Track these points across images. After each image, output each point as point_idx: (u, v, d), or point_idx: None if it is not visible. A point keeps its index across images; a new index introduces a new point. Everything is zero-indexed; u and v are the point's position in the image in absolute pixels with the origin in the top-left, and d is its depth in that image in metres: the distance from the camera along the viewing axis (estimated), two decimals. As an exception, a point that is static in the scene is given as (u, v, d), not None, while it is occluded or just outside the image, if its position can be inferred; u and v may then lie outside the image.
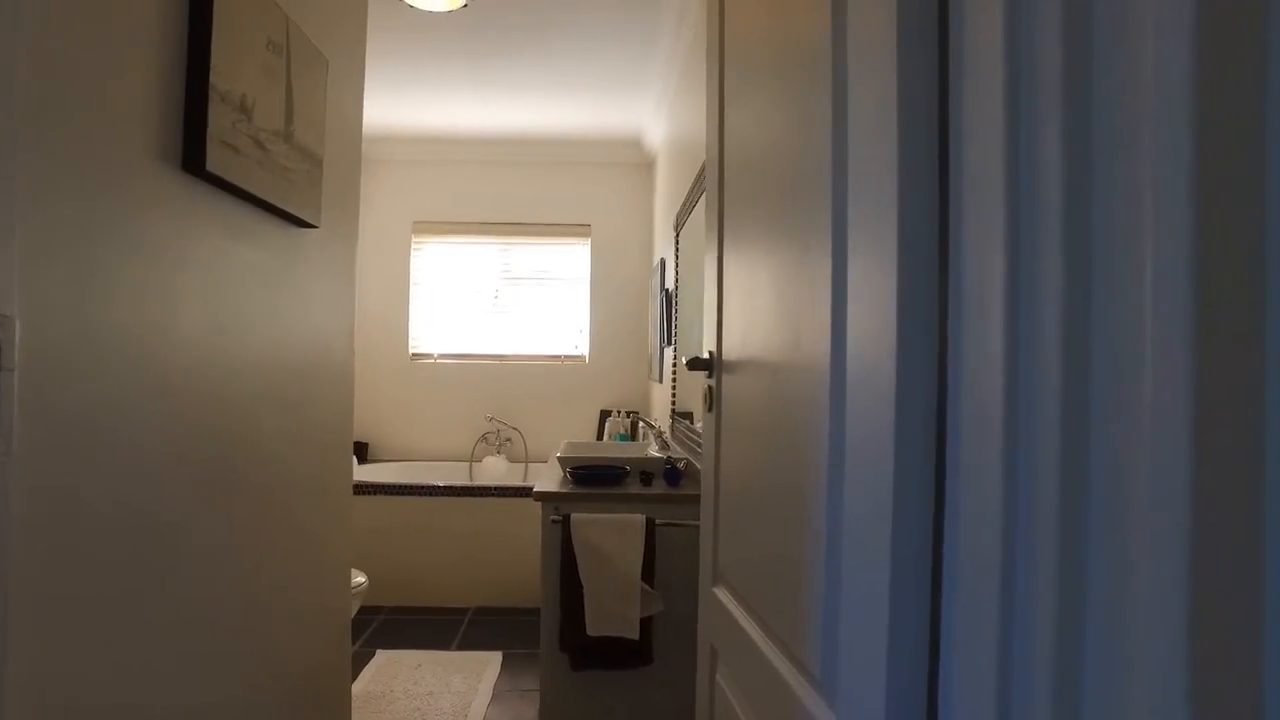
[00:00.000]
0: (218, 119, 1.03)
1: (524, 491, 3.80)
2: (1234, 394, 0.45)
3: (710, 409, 1.47)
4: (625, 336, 4.64)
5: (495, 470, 4.42)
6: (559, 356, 4.69)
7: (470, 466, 4.51)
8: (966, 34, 0.67)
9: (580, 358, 4.68)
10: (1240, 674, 0.46)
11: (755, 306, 1.20)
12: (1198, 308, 0.45)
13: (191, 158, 1.00)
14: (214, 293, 1.14)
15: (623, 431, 3.79)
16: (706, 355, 1.46)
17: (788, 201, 1.05)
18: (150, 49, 0.95)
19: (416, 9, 2.85)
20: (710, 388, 1.46)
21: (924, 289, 0.72)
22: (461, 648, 3.36)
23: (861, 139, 0.82)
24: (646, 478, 2.45)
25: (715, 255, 1.44)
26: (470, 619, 3.72)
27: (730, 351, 1.35)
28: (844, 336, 0.86)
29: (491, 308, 4.70)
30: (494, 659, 3.22)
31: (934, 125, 0.72)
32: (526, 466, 4.49)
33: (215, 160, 1.03)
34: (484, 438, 4.60)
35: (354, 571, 2.87)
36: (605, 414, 4.39)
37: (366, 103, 4.00)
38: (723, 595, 1.37)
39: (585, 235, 4.69)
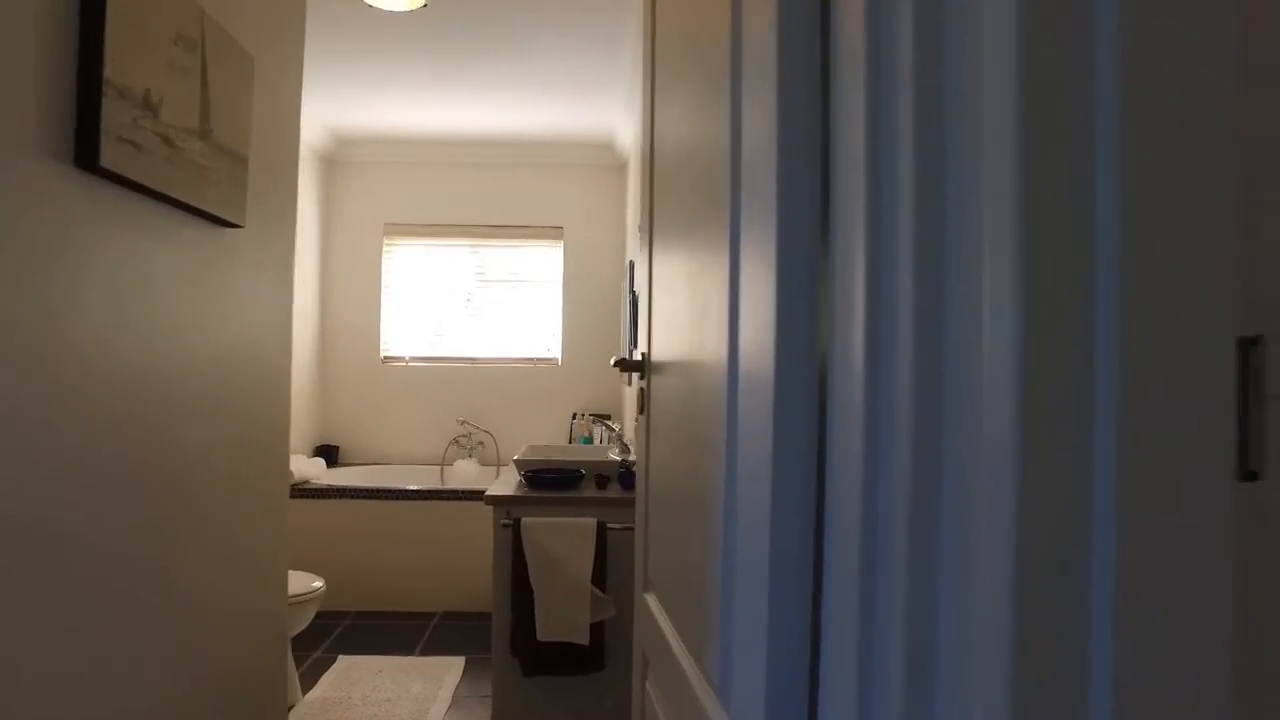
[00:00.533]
0: (115, 115, 1.01)
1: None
2: (1060, 404, 0.45)
3: (642, 411, 1.46)
4: (598, 339, 4.61)
5: (467, 474, 4.38)
6: (531, 359, 4.66)
7: (442, 470, 4.47)
8: (839, 32, 0.66)
9: (553, 360, 4.65)
10: (1066, 686, 0.45)
11: (676, 307, 1.19)
12: (1026, 328, 0.44)
13: (85, 154, 0.98)
14: (121, 291, 1.12)
15: (587, 435, 3.77)
16: (639, 357, 1.44)
17: (701, 201, 1.04)
18: (37, 44, 0.92)
19: (376, 8, 2.82)
20: (642, 390, 1.45)
21: (803, 292, 0.71)
22: (426, 653, 3.33)
23: (751, 139, 0.81)
24: (602, 481, 2.43)
25: (646, 255, 1.43)
26: (436, 624, 3.69)
27: (657, 353, 1.34)
28: (738, 340, 0.85)
29: (464, 310, 4.68)
30: (457, 664, 3.19)
31: (816, 129, 0.70)
32: (499, 470, 4.46)
33: (112, 157, 1.01)
34: (456, 441, 4.56)
35: (310, 576, 2.84)
36: (577, 417, 4.37)
37: (334, 105, 3.98)
38: (651, 602, 1.35)
39: (558, 238, 4.67)
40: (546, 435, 4.51)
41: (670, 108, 1.28)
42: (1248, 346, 0.48)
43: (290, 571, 2.89)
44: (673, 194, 1.24)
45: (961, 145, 0.50)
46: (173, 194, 1.16)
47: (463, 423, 4.56)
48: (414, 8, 2.79)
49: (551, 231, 4.66)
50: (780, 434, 0.72)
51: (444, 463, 4.51)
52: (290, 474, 3.77)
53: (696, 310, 1.04)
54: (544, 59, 3.39)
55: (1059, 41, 0.45)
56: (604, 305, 4.63)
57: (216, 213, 1.31)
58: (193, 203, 1.23)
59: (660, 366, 1.31)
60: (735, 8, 0.88)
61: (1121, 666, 0.44)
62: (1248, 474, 0.48)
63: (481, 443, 4.56)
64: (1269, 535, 0.49)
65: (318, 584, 2.80)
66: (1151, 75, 0.44)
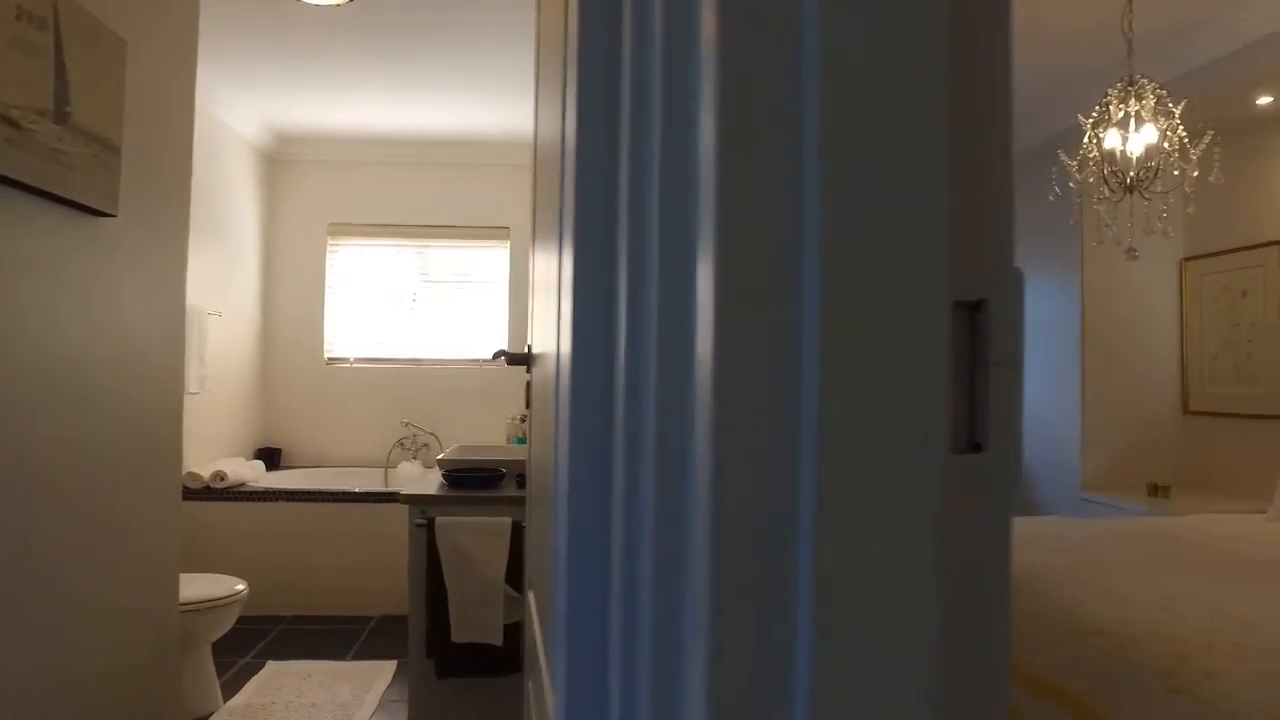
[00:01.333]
0: (-62, 91, 0.97)
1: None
2: (757, 387, 0.44)
3: (529, 405, 1.44)
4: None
5: (410, 476, 4.33)
6: (477, 360, 4.62)
7: (385, 472, 4.41)
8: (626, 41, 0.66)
9: (498, 361, 4.60)
10: (767, 679, 0.44)
11: (542, 303, 1.19)
12: (720, 308, 0.44)
13: (-100, 131, 0.94)
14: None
15: (520, 435, 3.74)
16: (525, 351, 1.43)
17: (552, 201, 1.06)
18: None
19: (302, 1, 2.78)
20: (528, 384, 1.43)
21: (600, 292, 0.71)
22: (359, 657, 3.28)
23: (569, 137, 0.81)
24: (523, 481, 2.40)
25: (531, 252, 1.43)
26: (373, 627, 3.63)
27: (538, 348, 1.33)
28: (561, 336, 0.85)
29: (409, 311, 4.63)
30: (388, 668, 3.14)
31: (614, 133, 0.70)
32: (442, 472, 4.41)
33: (-67, 135, 0.97)
34: (400, 443, 4.51)
35: (233, 580, 2.77)
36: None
37: (274, 102, 3.92)
38: (530, 599, 1.34)
39: (504, 238, 4.63)
40: (492, 436, 4.46)
41: (542, 109, 1.29)
42: (971, 311, 0.47)
43: (211, 575, 2.83)
44: (541, 194, 1.24)
45: (698, 157, 0.49)
46: (19, 178, 1.12)
47: (407, 424, 4.51)
48: (340, 1, 2.75)
49: (497, 232, 4.63)
50: (576, 428, 0.72)
51: (388, 465, 4.45)
52: (224, 474, 3.70)
53: (549, 304, 1.04)
54: (487, 58, 3.36)
55: (760, 39, 0.44)
56: (551, 306, 4.60)
57: (80, 200, 1.27)
58: (47, 188, 1.18)
59: (537, 360, 1.30)
60: (566, 7, 0.87)
61: (820, 660, 0.42)
62: (973, 446, 0.47)
63: (426, 445, 4.50)
64: (991, 510, 0.48)
65: (240, 587, 2.73)
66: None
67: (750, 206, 0.43)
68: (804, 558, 0.43)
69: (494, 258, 4.64)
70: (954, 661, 0.45)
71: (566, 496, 0.70)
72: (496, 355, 1.28)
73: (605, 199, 0.69)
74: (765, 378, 0.43)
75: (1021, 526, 2.60)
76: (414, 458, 4.47)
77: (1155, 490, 3.25)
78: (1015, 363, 0.48)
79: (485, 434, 4.47)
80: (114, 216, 1.38)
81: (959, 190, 0.46)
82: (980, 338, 0.48)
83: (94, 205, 1.31)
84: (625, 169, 0.59)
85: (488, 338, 4.63)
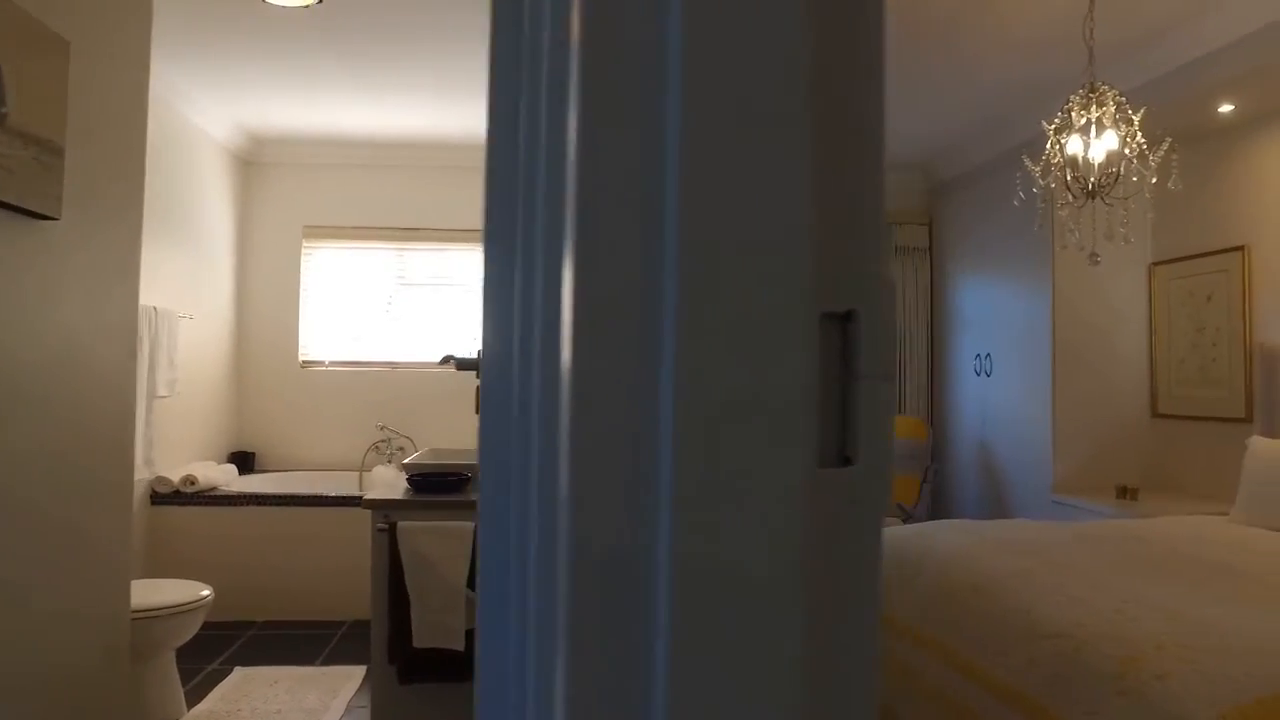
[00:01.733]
0: None
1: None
2: (614, 401, 0.44)
3: (478, 410, 1.44)
4: (522, 343, 4.57)
5: (385, 479, 4.30)
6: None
7: (360, 476, 4.39)
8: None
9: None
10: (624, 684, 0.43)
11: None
12: (578, 312, 0.43)
13: None
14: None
15: (493, 438, 3.73)
16: (475, 355, 1.42)
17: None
18: None
19: (270, 3, 2.76)
20: (478, 388, 1.43)
21: (503, 287, 0.71)
22: (329, 662, 3.26)
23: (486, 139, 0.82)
24: (489, 485, 2.39)
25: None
26: (344, 632, 3.61)
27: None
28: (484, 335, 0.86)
29: (386, 313, 4.60)
30: (357, 673, 3.11)
31: (516, 136, 0.70)
32: (418, 475, 4.39)
33: None
34: (375, 446, 4.48)
35: (198, 585, 2.75)
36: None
37: (247, 106, 3.89)
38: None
39: (481, 241, 4.62)
40: (467, 440, 4.43)
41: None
42: (841, 322, 0.46)
43: (176, 580, 2.80)
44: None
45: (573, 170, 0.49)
46: (-48, 180, 1.11)
47: (382, 428, 4.48)
48: (308, 3, 2.74)
49: (474, 235, 4.61)
50: (485, 431, 0.72)
51: (363, 468, 4.43)
52: (194, 478, 3.67)
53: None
54: (462, 61, 3.35)
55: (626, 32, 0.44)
56: (528, 309, 4.58)
57: (18, 203, 1.26)
58: (-19, 191, 1.17)
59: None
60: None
61: (676, 679, 0.41)
62: (843, 459, 0.47)
63: (401, 448, 4.48)
64: (861, 523, 0.47)
65: (205, 592, 2.71)
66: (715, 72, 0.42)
67: (609, 208, 0.43)
68: (660, 575, 0.42)
69: (471, 260, 4.63)
70: (820, 677, 0.44)
71: (481, 499, 0.71)
72: (444, 360, 1.27)
73: (511, 203, 0.69)
74: (623, 389, 0.43)
75: (990, 530, 2.61)
76: (389, 461, 4.44)
77: (1124, 492, 3.27)
78: (886, 375, 0.48)
79: (460, 438, 4.44)
80: (57, 220, 1.37)
81: (827, 197, 0.45)
82: (850, 349, 0.47)
83: (34, 208, 1.30)
84: (522, 172, 0.59)
85: (464, 341, 4.61)
